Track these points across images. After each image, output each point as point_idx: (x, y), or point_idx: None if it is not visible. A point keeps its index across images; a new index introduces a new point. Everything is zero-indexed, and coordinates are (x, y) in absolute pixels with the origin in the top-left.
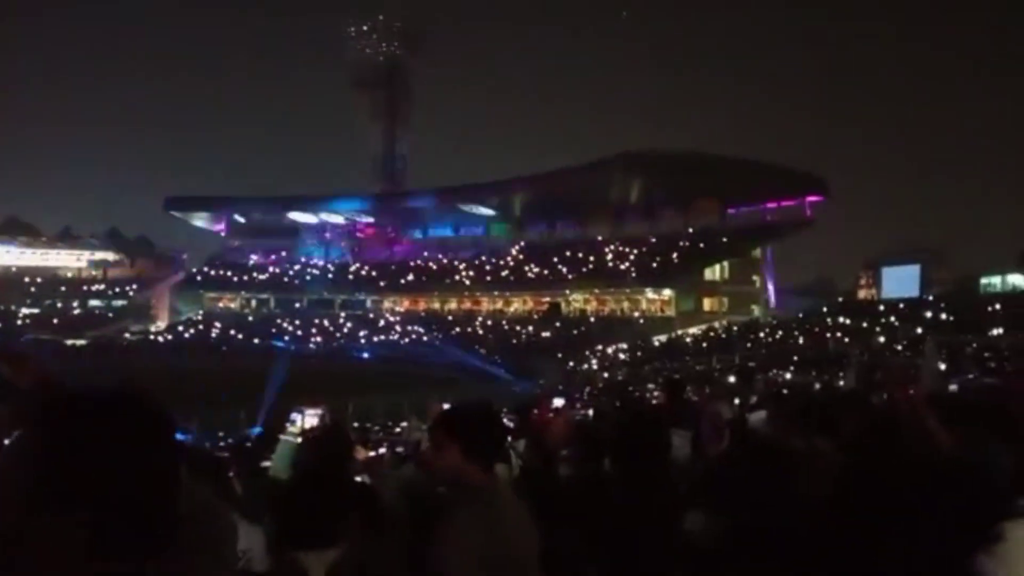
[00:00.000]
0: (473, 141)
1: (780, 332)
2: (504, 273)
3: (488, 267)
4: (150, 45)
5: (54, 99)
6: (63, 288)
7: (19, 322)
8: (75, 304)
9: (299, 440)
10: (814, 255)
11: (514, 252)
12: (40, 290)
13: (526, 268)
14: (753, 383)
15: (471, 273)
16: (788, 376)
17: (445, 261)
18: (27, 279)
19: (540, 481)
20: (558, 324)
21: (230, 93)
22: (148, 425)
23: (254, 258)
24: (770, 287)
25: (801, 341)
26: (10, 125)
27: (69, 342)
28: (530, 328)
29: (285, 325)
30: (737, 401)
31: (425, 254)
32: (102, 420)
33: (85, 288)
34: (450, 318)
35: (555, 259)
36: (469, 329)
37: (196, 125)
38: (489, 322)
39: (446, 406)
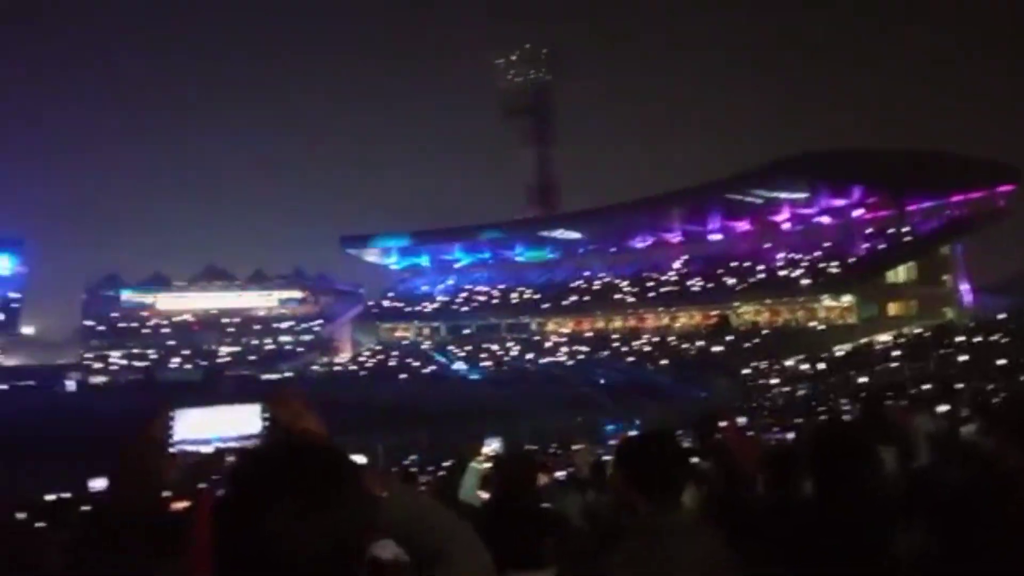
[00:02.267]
0: (623, 158)
1: (980, 336)
2: (668, 288)
3: (651, 283)
4: (314, 98)
5: (241, 155)
6: (257, 326)
7: (220, 359)
8: (268, 341)
9: (486, 466)
10: (1010, 249)
11: (677, 266)
12: (237, 329)
13: (690, 282)
14: (957, 393)
15: (634, 290)
16: (993, 385)
17: (607, 279)
18: (225, 320)
19: (731, 506)
20: (729, 338)
21: (393, 132)
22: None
23: (423, 288)
24: (964, 287)
25: (1005, 344)
26: (207, 180)
27: (265, 376)
28: (699, 343)
29: (455, 351)
30: (940, 411)
31: (586, 274)
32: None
33: (275, 325)
34: (615, 336)
35: (720, 271)
36: (635, 346)
37: (365, 164)
38: (656, 339)
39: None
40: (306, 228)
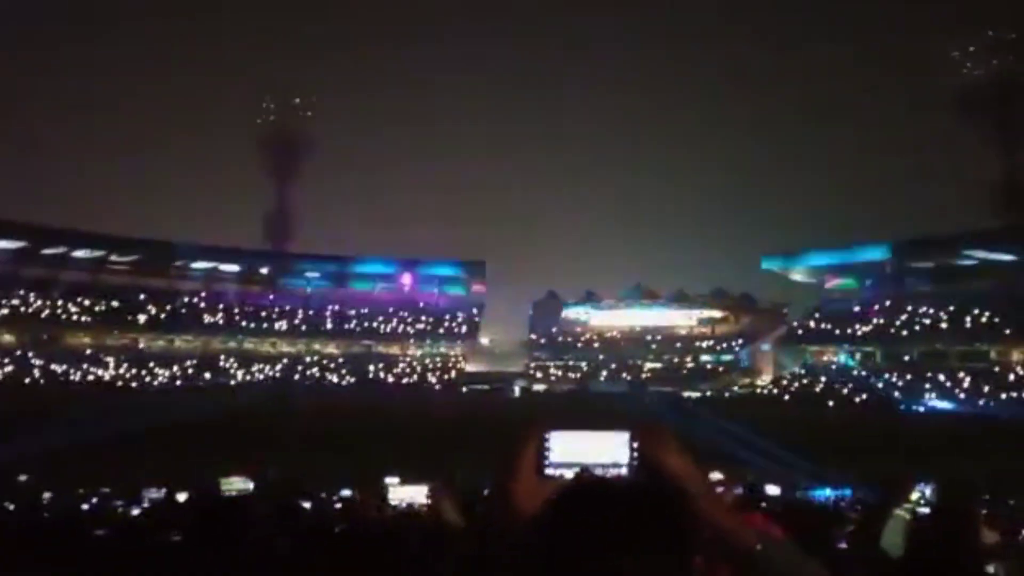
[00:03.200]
0: None
1: None
2: None
3: None
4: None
5: (648, 179)
6: (678, 344)
7: (643, 375)
8: (688, 359)
9: (911, 516)
10: None
11: None
12: (659, 346)
13: None
14: None
15: None
16: None
17: None
18: (649, 337)
19: None
20: None
21: (813, 138)
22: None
23: (855, 309)
24: None
25: None
26: (631, 204)
27: (686, 394)
28: None
29: (893, 379)
30: None
31: None
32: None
33: (696, 344)
34: None
35: None
36: None
37: (790, 179)
38: None
39: None
40: (728, 246)
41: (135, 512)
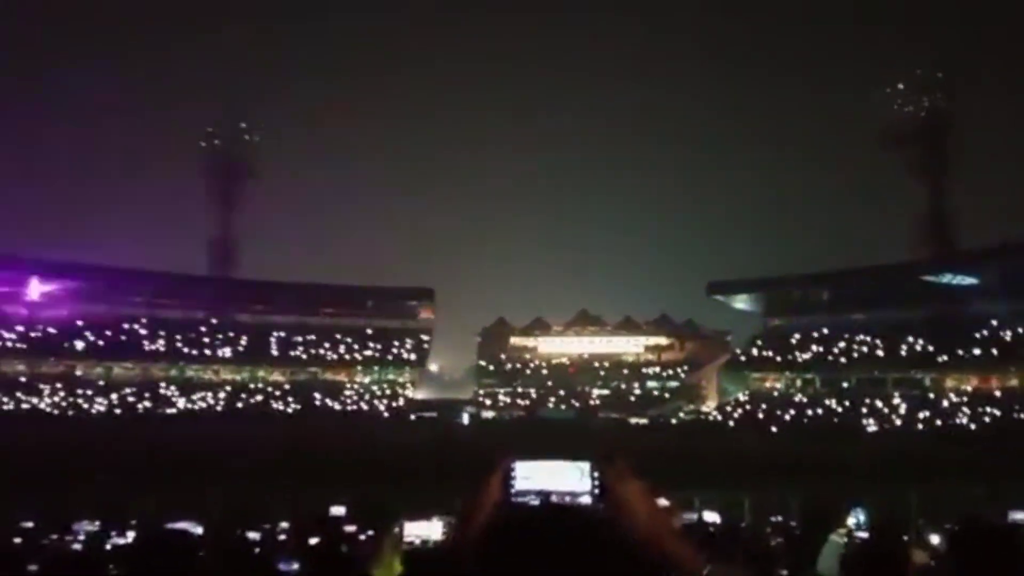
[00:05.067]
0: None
1: None
2: None
3: None
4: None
5: (607, 207)
6: (625, 371)
7: (591, 402)
8: (636, 386)
9: (846, 540)
10: None
11: None
12: (607, 373)
13: None
14: None
15: None
16: None
17: (1022, 332)
18: (596, 364)
19: None
20: None
21: (762, 176)
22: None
23: (796, 337)
24: None
25: None
26: (576, 231)
27: (633, 420)
28: None
29: (832, 405)
30: None
31: (994, 323)
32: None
33: (643, 371)
34: None
35: None
36: None
37: (733, 209)
38: None
39: None
40: (673, 274)
41: (76, 546)
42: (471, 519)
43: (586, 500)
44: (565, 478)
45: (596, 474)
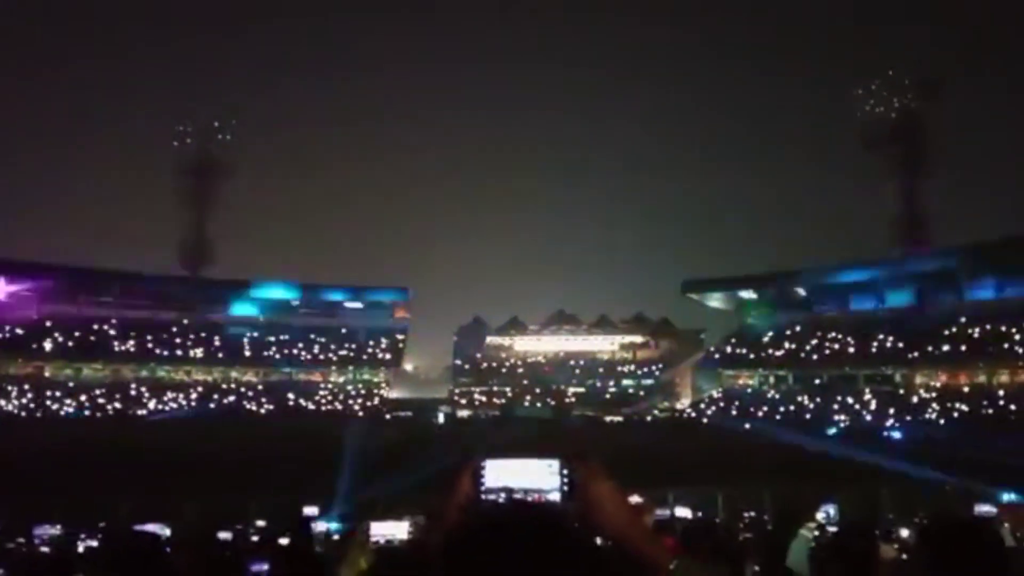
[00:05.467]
0: (998, 187)
1: None
2: None
3: None
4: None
5: (585, 206)
6: (600, 369)
7: (567, 400)
8: (611, 383)
9: (815, 535)
10: None
11: None
12: (582, 371)
13: None
14: None
15: None
16: None
17: (989, 328)
18: (572, 362)
19: None
20: None
21: (738, 174)
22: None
23: (769, 335)
24: None
25: None
26: (558, 231)
27: (608, 418)
28: None
29: (804, 402)
30: None
31: (962, 320)
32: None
33: (618, 369)
34: (1001, 393)
35: None
36: None
37: (709, 208)
38: None
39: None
40: (648, 274)
41: (44, 549)
42: (442, 517)
43: (555, 498)
44: (535, 476)
45: (566, 472)
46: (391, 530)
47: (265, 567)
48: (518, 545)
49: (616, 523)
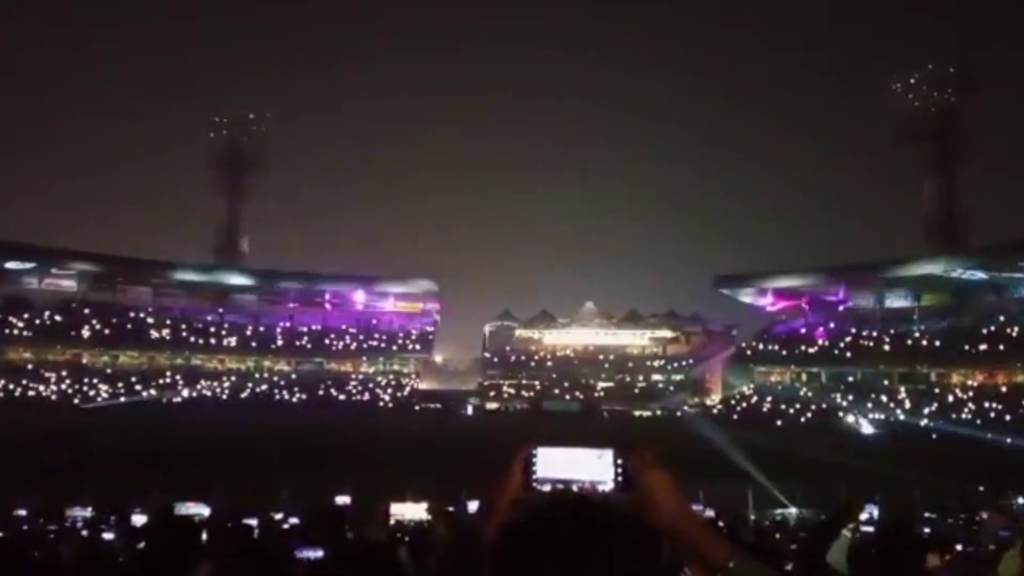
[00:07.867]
0: None
1: None
2: None
3: None
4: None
5: (616, 199)
6: (630, 364)
7: (596, 394)
8: (640, 378)
9: (851, 534)
10: None
11: None
12: (612, 366)
13: None
14: None
15: None
16: None
17: None
18: (601, 356)
19: None
20: None
21: (771, 168)
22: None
23: (802, 331)
24: None
25: None
26: (583, 222)
27: (637, 413)
28: None
29: (837, 399)
30: None
31: (1001, 319)
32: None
33: (648, 364)
34: None
35: None
36: None
37: (741, 202)
38: None
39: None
40: (680, 268)
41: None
42: (493, 508)
43: (608, 488)
44: (587, 466)
45: (619, 462)
46: (410, 511)
47: (319, 553)
48: (577, 544)
49: (674, 517)
